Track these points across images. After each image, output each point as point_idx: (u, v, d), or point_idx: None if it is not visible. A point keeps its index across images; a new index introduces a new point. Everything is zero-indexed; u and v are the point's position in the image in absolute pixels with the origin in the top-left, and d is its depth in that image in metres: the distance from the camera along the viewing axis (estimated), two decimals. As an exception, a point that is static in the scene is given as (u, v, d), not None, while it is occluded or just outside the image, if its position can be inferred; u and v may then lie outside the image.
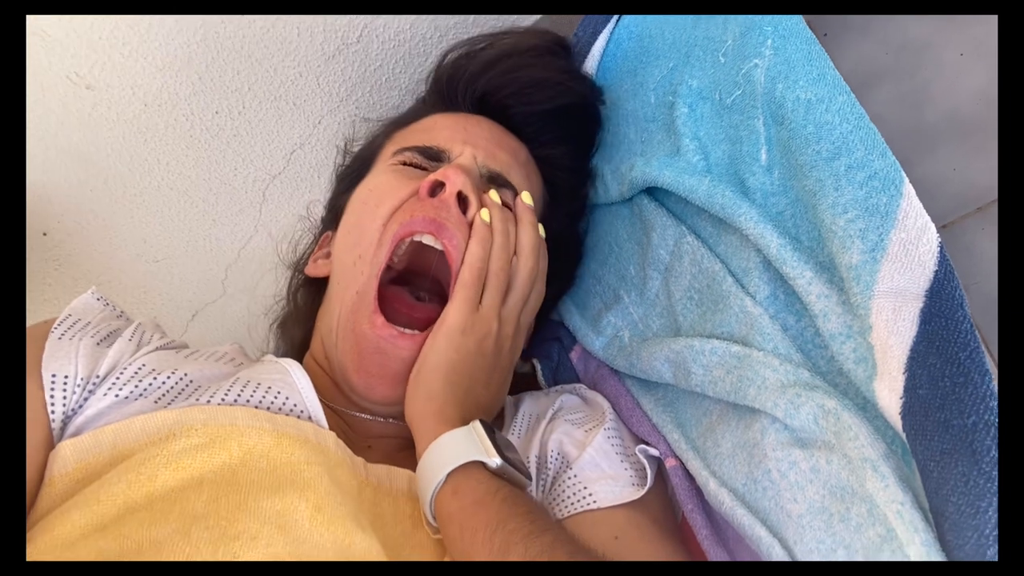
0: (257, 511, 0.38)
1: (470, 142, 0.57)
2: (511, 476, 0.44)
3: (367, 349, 0.51)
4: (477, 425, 0.45)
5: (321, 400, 0.50)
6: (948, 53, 0.73)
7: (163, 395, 0.45)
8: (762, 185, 0.49)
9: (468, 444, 0.44)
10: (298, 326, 0.64)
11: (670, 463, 0.48)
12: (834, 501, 0.37)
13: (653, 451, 0.50)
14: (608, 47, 0.70)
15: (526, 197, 0.56)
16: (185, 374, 0.47)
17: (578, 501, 0.46)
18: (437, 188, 0.52)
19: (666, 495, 0.50)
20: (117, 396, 0.44)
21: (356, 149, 0.72)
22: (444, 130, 0.58)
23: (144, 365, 0.46)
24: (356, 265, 0.53)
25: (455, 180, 0.51)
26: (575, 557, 0.37)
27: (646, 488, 0.47)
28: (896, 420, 0.35)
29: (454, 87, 0.62)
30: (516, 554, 0.37)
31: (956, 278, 0.36)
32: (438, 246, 0.51)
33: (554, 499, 0.48)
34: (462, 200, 0.52)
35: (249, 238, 1.22)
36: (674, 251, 0.56)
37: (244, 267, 1.28)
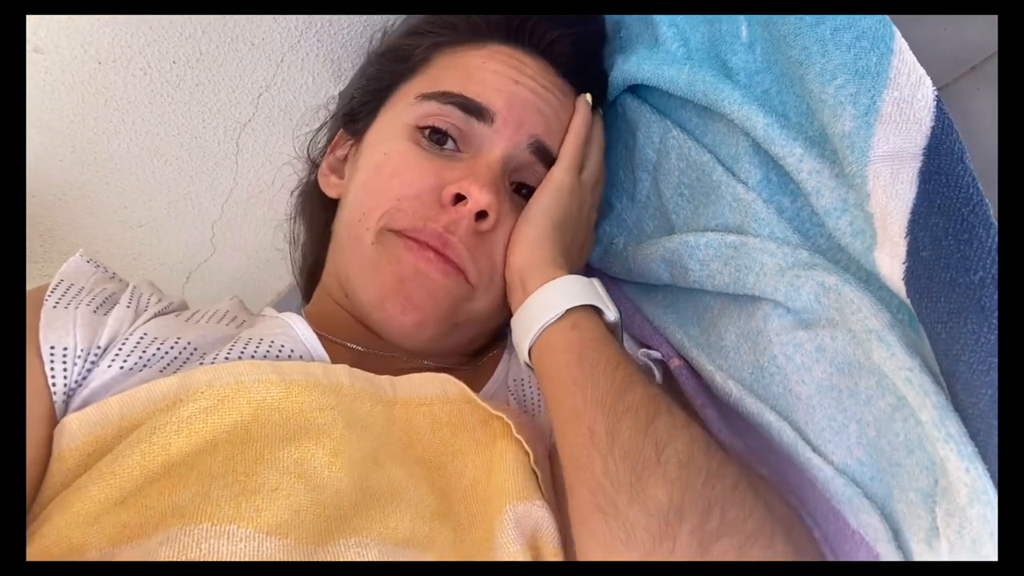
0: (275, 462, 0.38)
1: (517, 104, 0.52)
2: (617, 335, 0.45)
3: (406, 273, 0.49)
4: (597, 281, 0.46)
5: (339, 341, 0.49)
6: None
7: (168, 364, 0.44)
8: (745, 64, 0.46)
9: (589, 290, 0.45)
10: (312, 247, 0.62)
11: (674, 363, 0.48)
12: (842, 377, 0.36)
13: (655, 353, 0.49)
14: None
15: (589, 98, 0.56)
16: (189, 342, 0.45)
17: None
18: (459, 199, 0.49)
19: (673, 392, 0.50)
20: (122, 368, 0.43)
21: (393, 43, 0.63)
22: (495, 76, 0.52)
23: (146, 334, 0.45)
24: (361, 222, 0.51)
25: (479, 200, 0.48)
26: (689, 423, 0.38)
27: None
28: (899, 286, 0.34)
29: (526, 23, 0.55)
30: (637, 391, 0.38)
31: (955, 131, 0.34)
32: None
33: None
34: (481, 213, 0.49)
35: (230, 191, 1.19)
36: (660, 148, 0.53)
37: (230, 222, 1.26)
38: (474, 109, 0.51)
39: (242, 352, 0.44)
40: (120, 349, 0.44)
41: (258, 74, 1.00)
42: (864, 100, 0.36)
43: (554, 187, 0.51)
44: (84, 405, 0.41)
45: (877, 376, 0.34)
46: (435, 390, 0.46)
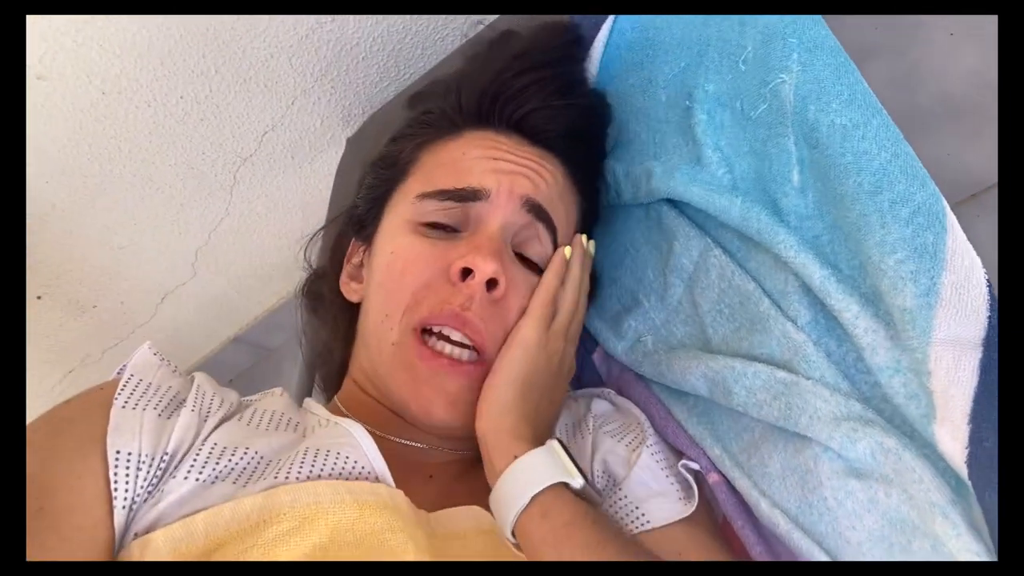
0: None
1: (504, 175, 0.55)
2: (589, 495, 0.46)
3: (421, 377, 0.51)
4: (556, 444, 0.47)
5: (381, 434, 0.51)
6: (938, 33, 0.74)
7: (239, 475, 0.45)
8: (796, 208, 0.50)
9: (551, 465, 0.45)
10: (338, 348, 0.63)
11: (712, 478, 0.51)
12: (894, 532, 0.40)
13: (694, 465, 0.52)
14: (611, 36, 0.69)
15: (567, 251, 0.58)
16: (256, 451, 0.47)
17: (632, 522, 0.49)
18: (467, 273, 0.51)
19: (707, 504, 0.53)
20: (198, 480, 0.44)
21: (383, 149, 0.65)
22: (479, 162, 0.56)
23: (216, 444, 0.46)
24: (384, 323, 0.54)
25: (484, 270, 0.50)
26: None
27: (695, 503, 0.50)
28: (961, 468, 0.38)
29: (494, 106, 0.58)
30: None
31: (1008, 324, 0.38)
32: (465, 341, 0.52)
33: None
34: (491, 282, 0.51)
35: (220, 220, 1.17)
36: (699, 263, 0.56)
37: (215, 248, 1.24)
38: (470, 195, 0.55)
39: (312, 467, 0.46)
40: (194, 461, 0.45)
41: (266, 114, 0.99)
42: (924, 280, 0.40)
43: (519, 345, 0.52)
44: (161, 517, 0.42)
45: (932, 541, 0.38)
46: (468, 523, 0.48)
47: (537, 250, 0.57)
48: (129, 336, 1.42)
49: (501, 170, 0.55)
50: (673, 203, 0.60)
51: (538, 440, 0.48)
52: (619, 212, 0.67)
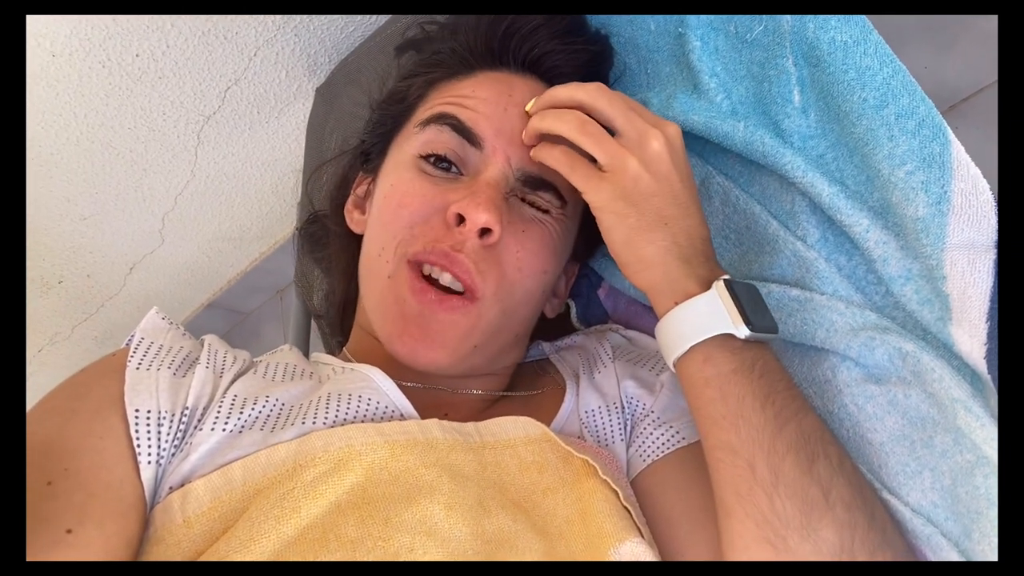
0: (401, 524, 0.40)
1: (504, 133, 0.53)
2: (760, 338, 0.44)
3: (409, 314, 0.51)
4: (722, 288, 0.44)
5: (396, 382, 0.51)
6: (910, -56, 0.74)
7: (264, 422, 0.46)
8: (798, 128, 0.50)
9: (714, 315, 0.43)
10: (340, 285, 0.63)
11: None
12: (915, 430, 0.42)
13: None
14: (592, -34, 0.67)
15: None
16: (277, 399, 0.47)
17: (668, 440, 0.50)
18: (462, 219, 0.50)
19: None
20: (224, 430, 0.44)
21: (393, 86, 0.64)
22: (482, 107, 0.54)
23: (236, 395, 0.47)
24: (380, 256, 0.54)
25: (476, 220, 0.49)
26: (843, 459, 0.41)
27: None
28: (980, 363, 0.40)
29: (508, 44, 0.56)
30: (791, 429, 0.40)
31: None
32: (455, 286, 0.51)
33: (643, 441, 0.51)
34: (485, 230, 0.51)
35: (186, 183, 1.13)
36: (701, 190, 0.57)
37: (183, 213, 1.20)
38: (465, 132, 0.54)
39: (337, 411, 0.46)
40: (218, 413, 0.45)
41: (228, 67, 0.95)
42: (935, 189, 0.41)
43: (602, 196, 0.47)
44: (195, 469, 0.43)
45: (954, 434, 0.40)
46: (518, 432, 0.49)
47: (542, 205, 0.55)
48: (98, 310, 1.38)
49: (504, 125, 0.54)
50: (669, 132, 0.60)
51: (709, 263, 0.46)
52: (612, 146, 0.67)
